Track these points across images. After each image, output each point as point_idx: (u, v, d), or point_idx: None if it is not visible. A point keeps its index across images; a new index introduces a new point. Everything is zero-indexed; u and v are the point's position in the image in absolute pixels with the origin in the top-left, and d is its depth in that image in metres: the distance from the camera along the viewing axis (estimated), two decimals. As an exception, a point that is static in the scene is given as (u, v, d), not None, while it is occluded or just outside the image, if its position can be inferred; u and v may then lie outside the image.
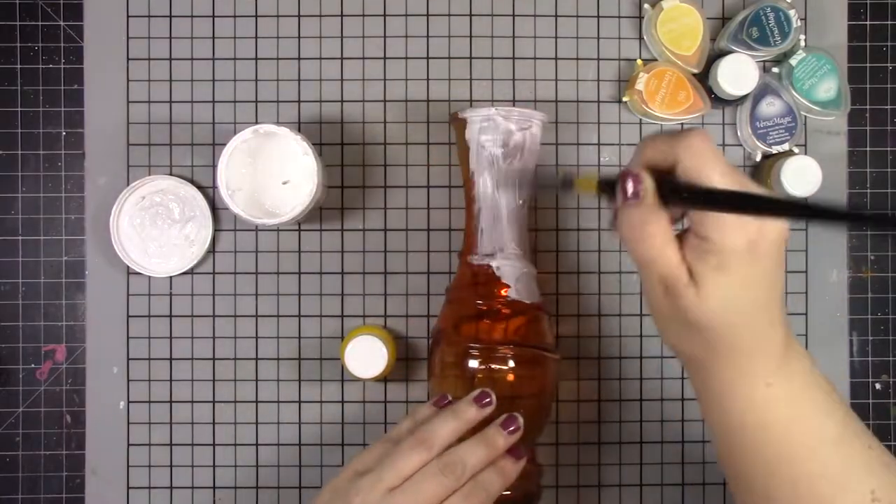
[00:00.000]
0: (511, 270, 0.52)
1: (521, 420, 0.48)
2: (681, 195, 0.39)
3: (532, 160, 0.54)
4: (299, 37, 0.59)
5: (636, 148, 0.40)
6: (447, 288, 0.55)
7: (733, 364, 0.40)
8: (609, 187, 0.40)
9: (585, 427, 0.59)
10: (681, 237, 0.39)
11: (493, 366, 0.51)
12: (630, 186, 0.39)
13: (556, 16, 0.60)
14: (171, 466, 0.58)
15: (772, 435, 0.40)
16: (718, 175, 0.38)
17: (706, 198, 0.38)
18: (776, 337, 0.40)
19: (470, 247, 0.53)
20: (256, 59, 0.59)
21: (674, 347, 0.42)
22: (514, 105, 0.59)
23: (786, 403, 0.40)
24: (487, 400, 0.48)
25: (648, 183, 0.39)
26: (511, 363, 0.51)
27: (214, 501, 0.59)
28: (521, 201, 0.53)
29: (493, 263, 0.52)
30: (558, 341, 0.59)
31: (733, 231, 0.37)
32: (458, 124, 0.53)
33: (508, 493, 0.49)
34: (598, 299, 0.59)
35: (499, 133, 0.52)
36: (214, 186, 0.58)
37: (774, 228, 0.38)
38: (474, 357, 0.51)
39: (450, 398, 0.50)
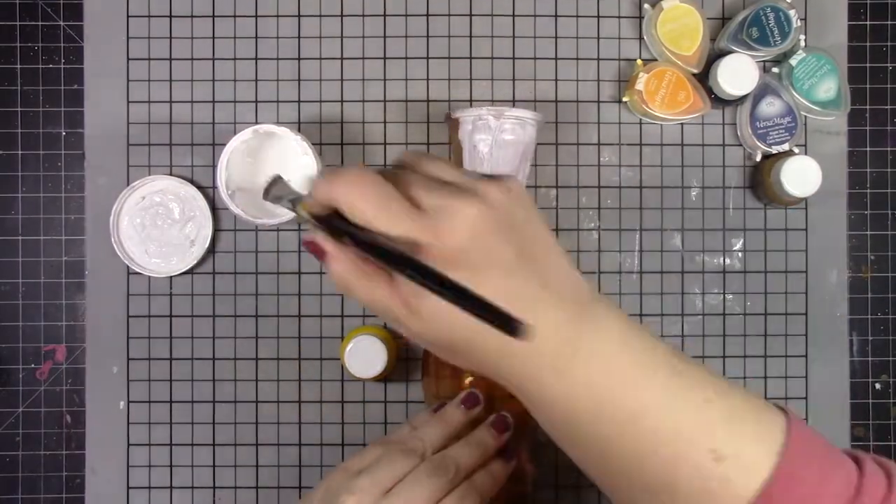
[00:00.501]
0: None
1: (510, 420, 0.48)
2: (348, 237, 0.36)
3: (526, 160, 0.54)
4: (299, 37, 0.59)
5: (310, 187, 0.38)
6: None
7: (508, 371, 0.37)
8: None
9: None
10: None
11: None
12: (313, 246, 0.37)
13: (556, 16, 0.60)
14: (170, 466, 0.58)
15: (582, 425, 0.36)
16: (373, 210, 0.35)
17: (362, 244, 0.35)
18: (547, 324, 0.35)
19: None
20: (256, 59, 0.59)
21: (447, 360, 0.39)
22: (513, 105, 0.59)
23: (587, 386, 0.36)
24: (474, 401, 0.49)
25: (321, 238, 0.37)
26: None
27: (214, 501, 0.59)
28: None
29: None
30: None
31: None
32: (452, 124, 0.54)
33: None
34: (619, 299, 0.59)
35: (490, 133, 0.52)
36: (214, 186, 0.58)
37: (450, 232, 0.34)
38: None
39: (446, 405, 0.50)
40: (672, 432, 0.35)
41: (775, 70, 0.59)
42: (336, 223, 0.36)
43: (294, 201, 0.40)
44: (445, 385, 0.52)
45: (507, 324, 0.31)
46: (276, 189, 0.42)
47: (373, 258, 0.35)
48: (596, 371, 0.36)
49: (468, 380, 0.51)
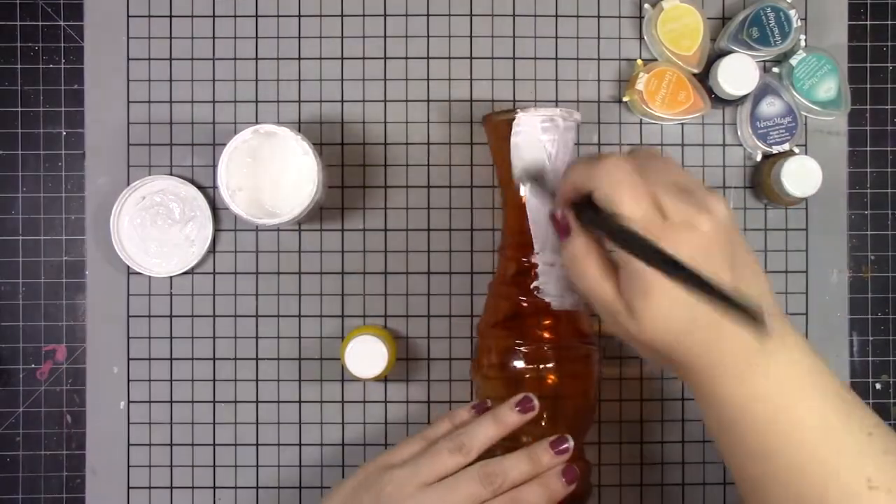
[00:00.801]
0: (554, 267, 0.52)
1: (571, 442, 0.48)
2: (596, 227, 0.39)
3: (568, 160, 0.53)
4: (299, 37, 0.59)
5: (564, 171, 0.41)
6: (489, 283, 0.55)
7: (699, 370, 0.40)
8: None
9: (627, 426, 0.59)
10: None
11: (539, 365, 0.50)
12: (558, 222, 0.40)
13: (556, 16, 0.60)
14: (171, 466, 0.58)
15: (751, 430, 0.39)
16: (629, 206, 0.38)
17: (612, 234, 0.38)
18: (739, 333, 0.38)
19: (514, 244, 0.53)
20: (257, 58, 0.59)
21: (652, 363, 0.43)
22: (514, 105, 0.59)
23: (764, 398, 0.39)
24: (531, 405, 0.48)
25: (570, 218, 0.40)
26: (558, 361, 0.50)
27: (215, 501, 0.59)
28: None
29: (536, 260, 0.52)
30: (601, 341, 0.59)
31: (633, 258, 0.38)
32: (497, 124, 0.53)
33: None
34: None
35: (558, 133, 0.51)
36: (215, 186, 0.58)
37: (689, 244, 0.38)
38: (520, 356, 0.50)
39: (489, 404, 0.50)
40: (832, 453, 0.38)
41: (775, 70, 0.59)
42: (587, 208, 0.39)
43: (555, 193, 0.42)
44: (500, 386, 0.51)
45: (750, 315, 0.34)
46: (542, 181, 0.46)
47: (620, 244, 0.38)
48: (775, 384, 0.39)
49: (523, 378, 0.50)
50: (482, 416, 0.48)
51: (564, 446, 0.48)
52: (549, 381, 0.50)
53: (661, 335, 0.39)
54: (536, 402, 0.48)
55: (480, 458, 0.47)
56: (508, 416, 0.48)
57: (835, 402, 0.39)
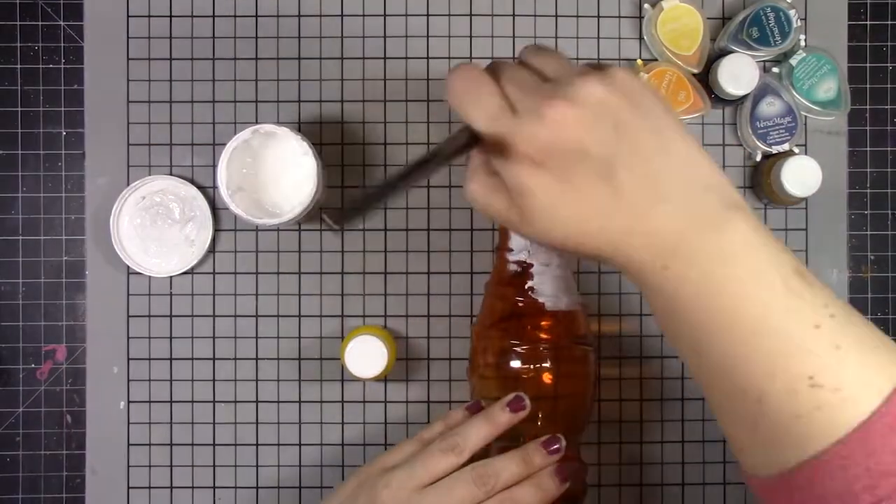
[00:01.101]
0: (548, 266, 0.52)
1: (563, 442, 0.48)
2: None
3: None
4: (299, 37, 0.59)
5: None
6: (486, 283, 0.55)
7: (619, 265, 0.36)
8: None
9: (627, 427, 0.59)
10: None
11: (535, 364, 0.50)
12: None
13: (556, 16, 0.60)
14: (171, 466, 0.58)
15: (687, 319, 0.35)
16: (476, 110, 0.36)
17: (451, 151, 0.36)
18: (651, 228, 0.34)
19: (506, 242, 0.53)
20: (256, 58, 0.59)
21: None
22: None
23: (692, 283, 0.34)
24: (521, 405, 0.48)
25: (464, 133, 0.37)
26: (554, 361, 0.50)
27: (214, 501, 0.59)
28: None
29: (531, 260, 0.52)
30: (600, 340, 0.59)
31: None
32: None
33: None
34: (640, 298, 0.59)
35: None
36: (215, 186, 0.58)
37: (533, 139, 0.34)
38: (516, 356, 0.50)
39: (483, 404, 0.50)
40: (772, 348, 0.34)
41: (775, 70, 0.59)
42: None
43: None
44: (496, 385, 0.51)
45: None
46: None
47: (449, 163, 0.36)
48: (706, 269, 0.34)
49: (519, 378, 0.50)
50: (475, 417, 0.49)
51: (556, 446, 0.48)
52: (546, 381, 0.50)
53: (558, 236, 0.35)
54: (528, 402, 0.48)
55: (476, 457, 0.47)
56: (500, 416, 0.48)
57: (781, 292, 0.34)
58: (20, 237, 0.59)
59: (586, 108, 0.34)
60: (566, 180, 0.34)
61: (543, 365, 0.50)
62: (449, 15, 0.60)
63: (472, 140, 0.37)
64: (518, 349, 0.50)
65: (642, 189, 0.34)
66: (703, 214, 0.35)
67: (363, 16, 0.60)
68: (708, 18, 0.58)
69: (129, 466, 0.58)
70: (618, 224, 0.35)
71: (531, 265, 0.51)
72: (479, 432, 0.47)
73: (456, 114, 0.36)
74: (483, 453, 0.48)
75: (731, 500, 0.59)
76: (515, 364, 0.50)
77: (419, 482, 0.45)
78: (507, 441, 0.50)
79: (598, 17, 0.60)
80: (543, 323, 0.51)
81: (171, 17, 0.59)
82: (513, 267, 0.52)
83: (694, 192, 0.35)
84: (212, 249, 0.59)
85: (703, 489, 0.59)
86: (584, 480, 0.51)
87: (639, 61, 0.59)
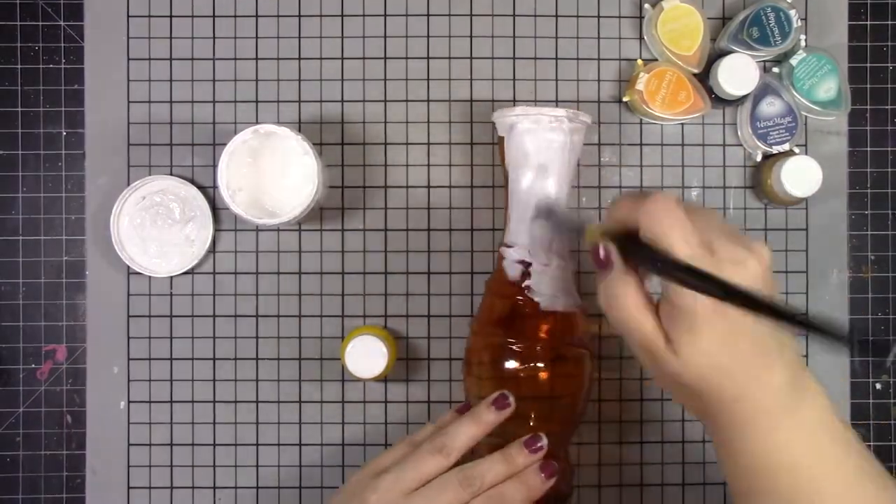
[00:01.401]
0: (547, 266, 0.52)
1: (545, 441, 0.48)
2: (643, 261, 0.39)
3: (571, 162, 0.53)
4: (300, 37, 0.59)
5: (609, 206, 0.41)
6: (486, 282, 0.55)
7: (730, 415, 0.40)
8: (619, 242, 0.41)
9: (627, 427, 0.59)
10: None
11: (530, 364, 0.50)
12: (598, 256, 0.40)
13: (556, 16, 0.60)
14: (171, 466, 0.58)
15: (775, 481, 0.40)
16: (679, 242, 0.38)
17: (663, 266, 0.38)
18: (772, 382, 0.39)
19: (507, 240, 0.53)
20: (257, 58, 0.59)
21: (680, 403, 0.43)
22: (514, 104, 0.59)
23: (788, 450, 0.39)
24: (506, 402, 0.49)
25: (613, 252, 0.39)
26: (548, 361, 0.50)
27: (215, 501, 0.59)
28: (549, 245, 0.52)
29: (531, 259, 0.52)
30: (601, 341, 0.59)
31: (690, 293, 0.38)
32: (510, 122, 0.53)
33: None
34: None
35: (565, 135, 0.51)
36: (215, 186, 0.58)
37: (738, 281, 0.38)
38: (511, 354, 0.50)
39: (472, 405, 0.50)
40: None
41: (776, 70, 0.59)
42: (631, 243, 0.39)
43: (579, 228, 0.43)
44: (490, 386, 0.51)
45: (829, 332, 0.34)
46: (554, 216, 0.48)
47: (671, 277, 0.38)
48: (798, 436, 0.39)
49: (512, 378, 0.50)
50: (462, 417, 0.49)
51: (538, 445, 0.48)
52: (540, 381, 0.50)
53: (702, 370, 0.38)
54: (512, 400, 0.49)
55: (466, 458, 0.48)
56: (486, 415, 0.48)
57: (856, 462, 0.40)
58: (20, 237, 0.59)
59: (767, 269, 0.39)
60: (736, 329, 0.38)
61: (538, 364, 0.50)
62: (449, 15, 0.60)
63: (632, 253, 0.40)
64: (513, 348, 0.50)
65: (774, 341, 0.39)
66: (797, 371, 0.40)
67: (363, 16, 0.60)
68: (708, 18, 0.58)
69: (129, 466, 0.58)
70: (757, 369, 0.39)
71: (530, 264, 0.51)
72: (466, 432, 0.48)
73: (651, 236, 0.39)
74: (472, 455, 0.49)
75: (731, 500, 0.59)
76: (510, 363, 0.50)
77: (407, 486, 0.45)
78: (499, 438, 0.50)
79: (599, 17, 0.60)
80: (540, 323, 0.51)
81: (171, 17, 0.59)
82: (512, 266, 0.52)
83: (794, 351, 0.41)
84: (212, 249, 0.59)
85: (704, 489, 0.59)
86: (570, 480, 0.52)
87: (639, 61, 0.59)
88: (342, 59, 0.59)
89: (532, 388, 0.50)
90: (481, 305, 0.54)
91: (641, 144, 0.60)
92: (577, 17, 0.60)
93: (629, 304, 0.39)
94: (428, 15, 0.60)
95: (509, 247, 0.52)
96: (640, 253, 0.39)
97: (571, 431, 0.54)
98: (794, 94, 0.58)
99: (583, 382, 0.52)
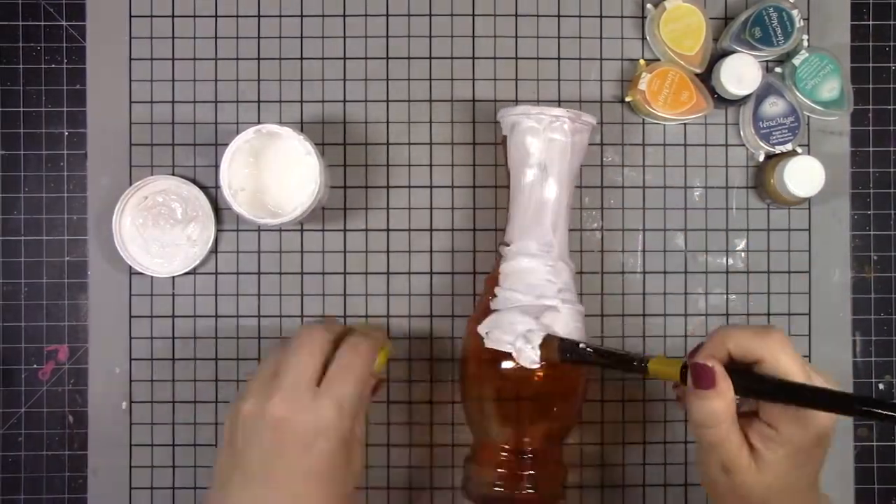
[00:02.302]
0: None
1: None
2: (757, 391, 0.41)
3: (574, 163, 0.53)
4: (302, 37, 0.59)
5: (713, 335, 0.43)
6: (486, 279, 0.55)
7: None
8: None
9: (629, 427, 0.59)
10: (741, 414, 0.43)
11: (524, 364, 0.50)
12: (705, 379, 0.42)
13: (558, 16, 0.60)
14: (173, 467, 0.58)
15: None
16: (798, 370, 0.41)
17: (785, 393, 0.40)
18: (814, 500, 0.43)
19: (506, 239, 0.53)
20: (259, 58, 0.59)
21: None
22: (516, 104, 0.59)
23: None
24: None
25: (720, 373, 0.41)
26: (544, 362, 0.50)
27: (217, 502, 0.58)
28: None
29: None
30: (602, 341, 0.59)
31: (806, 425, 0.40)
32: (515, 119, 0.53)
33: (532, 492, 0.49)
34: (643, 299, 0.59)
35: (566, 135, 0.51)
36: (217, 186, 0.58)
37: (838, 417, 0.41)
38: (507, 354, 0.50)
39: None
40: None
41: (778, 70, 0.59)
42: (742, 374, 0.42)
43: (639, 361, 0.46)
44: (483, 386, 0.52)
45: None
46: (583, 354, 0.49)
47: (782, 401, 0.41)
48: None
49: (508, 377, 0.51)
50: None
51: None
52: (536, 380, 0.50)
53: (776, 489, 0.41)
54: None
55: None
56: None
57: None
58: (22, 237, 0.59)
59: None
60: (810, 454, 0.42)
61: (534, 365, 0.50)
62: (451, 15, 0.60)
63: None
64: None
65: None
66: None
67: (365, 16, 0.60)
68: (710, 18, 0.58)
69: (131, 467, 0.58)
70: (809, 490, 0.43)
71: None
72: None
73: (778, 371, 0.41)
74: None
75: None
76: (506, 362, 0.50)
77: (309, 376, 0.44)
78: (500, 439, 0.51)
79: (601, 16, 0.60)
80: None
81: (173, 17, 0.59)
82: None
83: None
84: (214, 249, 0.59)
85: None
86: (562, 482, 0.52)
87: (641, 61, 0.59)
88: (344, 58, 0.59)
89: (527, 388, 0.50)
90: (479, 304, 0.54)
91: (644, 144, 0.60)
92: (580, 17, 0.60)
93: (724, 422, 0.41)
94: (430, 15, 0.60)
95: (507, 245, 0.52)
96: (754, 385, 0.42)
97: (566, 432, 0.54)
98: (797, 94, 0.58)
99: (578, 383, 0.52)
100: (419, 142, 0.59)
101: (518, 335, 0.49)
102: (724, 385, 0.41)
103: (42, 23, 0.59)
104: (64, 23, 0.59)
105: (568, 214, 0.53)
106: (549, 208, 0.52)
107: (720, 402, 0.41)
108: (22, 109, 0.59)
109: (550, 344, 0.49)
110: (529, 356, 0.48)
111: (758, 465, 0.41)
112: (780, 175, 0.56)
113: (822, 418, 0.40)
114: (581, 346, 0.48)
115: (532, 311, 0.50)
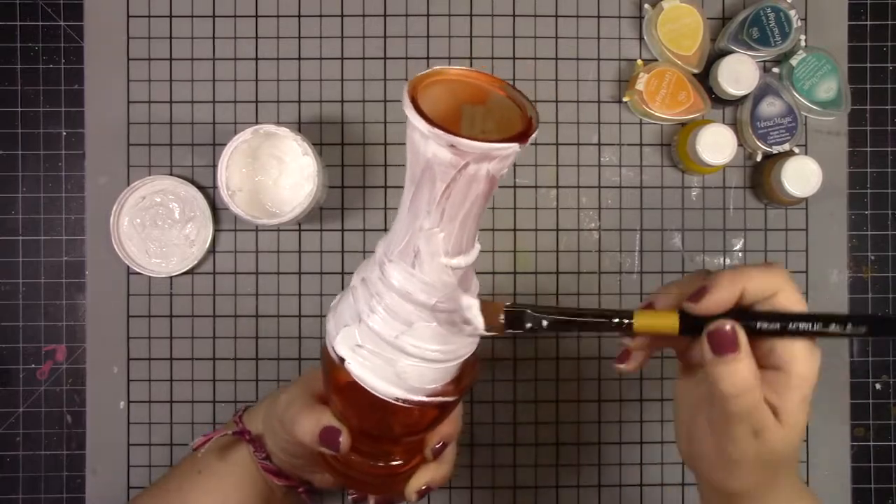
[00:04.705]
0: None
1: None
2: (778, 331, 0.37)
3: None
4: (299, 37, 0.59)
5: (719, 279, 0.37)
6: None
7: (778, 488, 0.39)
8: (690, 326, 0.37)
9: (626, 427, 0.59)
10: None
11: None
12: (727, 343, 0.36)
13: (556, 16, 0.60)
14: (171, 466, 0.58)
15: None
16: (801, 302, 0.38)
17: (791, 326, 0.37)
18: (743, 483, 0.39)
19: None
20: (257, 59, 0.59)
21: (726, 487, 0.40)
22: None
23: None
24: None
25: (740, 332, 0.36)
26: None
27: (215, 501, 0.59)
28: None
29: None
30: (601, 341, 0.59)
31: (809, 359, 0.37)
32: None
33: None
34: (640, 299, 0.59)
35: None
36: (215, 186, 0.58)
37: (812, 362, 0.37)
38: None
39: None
40: None
41: (776, 70, 0.59)
42: (747, 314, 0.37)
43: (611, 317, 0.37)
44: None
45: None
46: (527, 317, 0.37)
47: (805, 335, 0.36)
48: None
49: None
50: None
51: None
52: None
53: (799, 441, 0.38)
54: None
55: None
56: None
57: None
58: (20, 237, 0.59)
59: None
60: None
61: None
62: (449, 15, 0.60)
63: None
64: None
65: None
66: (776, 471, 0.40)
67: (363, 16, 0.60)
68: (708, 18, 0.58)
69: (129, 466, 0.58)
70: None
71: None
72: None
73: (795, 302, 0.38)
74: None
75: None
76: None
77: None
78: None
79: (599, 17, 0.60)
80: None
81: (171, 17, 0.59)
82: None
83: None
84: (212, 249, 0.59)
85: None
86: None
87: (639, 61, 0.59)
88: (342, 59, 0.59)
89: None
90: None
91: (641, 145, 0.60)
92: (577, 17, 0.60)
93: (757, 381, 0.37)
94: (428, 15, 0.60)
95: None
96: (769, 324, 0.37)
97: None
98: (794, 94, 0.58)
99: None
100: (417, 142, 0.59)
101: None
102: (745, 343, 0.36)
103: (40, 23, 0.59)
104: (62, 23, 0.59)
105: (411, 223, 0.37)
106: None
107: (747, 362, 0.36)
108: (20, 109, 0.59)
109: (494, 310, 0.37)
110: (475, 325, 0.36)
111: (782, 423, 0.37)
112: (777, 175, 0.56)
113: (815, 348, 0.37)
114: (530, 311, 0.37)
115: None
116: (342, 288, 0.59)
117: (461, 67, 0.37)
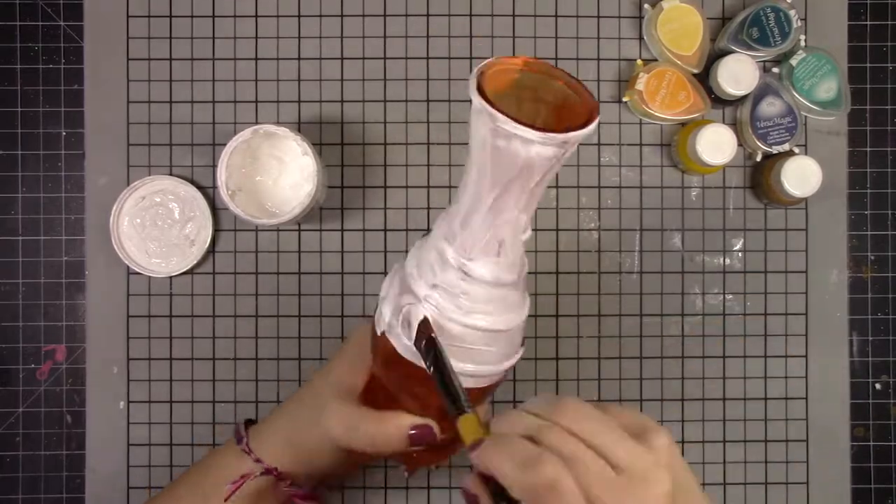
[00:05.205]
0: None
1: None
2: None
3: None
4: (299, 37, 0.59)
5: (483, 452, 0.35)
6: None
7: None
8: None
9: None
10: None
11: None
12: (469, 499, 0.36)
13: (556, 16, 0.60)
14: (171, 466, 0.58)
15: None
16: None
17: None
18: None
19: None
20: (256, 59, 0.59)
21: None
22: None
23: None
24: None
25: (484, 497, 0.35)
26: None
27: (214, 501, 0.59)
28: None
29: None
30: (600, 341, 0.59)
31: None
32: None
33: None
34: (640, 299, 0.59)
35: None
36: (214, 186, 0.58)
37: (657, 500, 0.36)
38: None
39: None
40: None
41: (775, 70, 0.59)
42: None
43: (454, 398, 0.37)
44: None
45: None
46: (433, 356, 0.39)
47: None
48: None
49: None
50: None
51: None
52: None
53: None
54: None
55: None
56: None
57: None
58: (20, 237, 0.59)
59: (672, 472, 0.38)
60: None
61: None
62: (449, 15, 0.60)
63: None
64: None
65: None
66: None
67: (363, 16, 0.60)
68: (708, 18, 0.58)
69: (129, 466, 0.58)
70: None
71: None
72: None
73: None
74: None
75: (732, 501, 0.59)
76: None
77: None
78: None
79: (598, 17, 0.60)
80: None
81: (170, 17, 0.59)
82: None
83: None
84: (211, 249, 0.59)
85: (703, 489, 0.59)
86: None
87: (639, 61, 0.59)
88: (342, 59, 0.59)
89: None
90: None
91: (641, 145, 0.60)
92: (577, 17, 0.60)
93: None
94: (428, 15, 0.60)
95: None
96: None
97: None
98: (794, 94, 0.58)
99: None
100: (416, 142, 0.59)
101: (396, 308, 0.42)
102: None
103: (40, 23, 0.59)
104: (61, 23, 0.59)
105: (495, 220, 0.40)
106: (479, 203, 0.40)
107: None
108: (20, 109, 0.59)
109: (423, 325, 0.40)
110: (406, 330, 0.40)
111: None
112: (777, 175, 0.56)
113: None
114: (436, 348, 0.39)
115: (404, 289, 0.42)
116: (341, 288, 0.59)
117: (516, 57, 0.41)
